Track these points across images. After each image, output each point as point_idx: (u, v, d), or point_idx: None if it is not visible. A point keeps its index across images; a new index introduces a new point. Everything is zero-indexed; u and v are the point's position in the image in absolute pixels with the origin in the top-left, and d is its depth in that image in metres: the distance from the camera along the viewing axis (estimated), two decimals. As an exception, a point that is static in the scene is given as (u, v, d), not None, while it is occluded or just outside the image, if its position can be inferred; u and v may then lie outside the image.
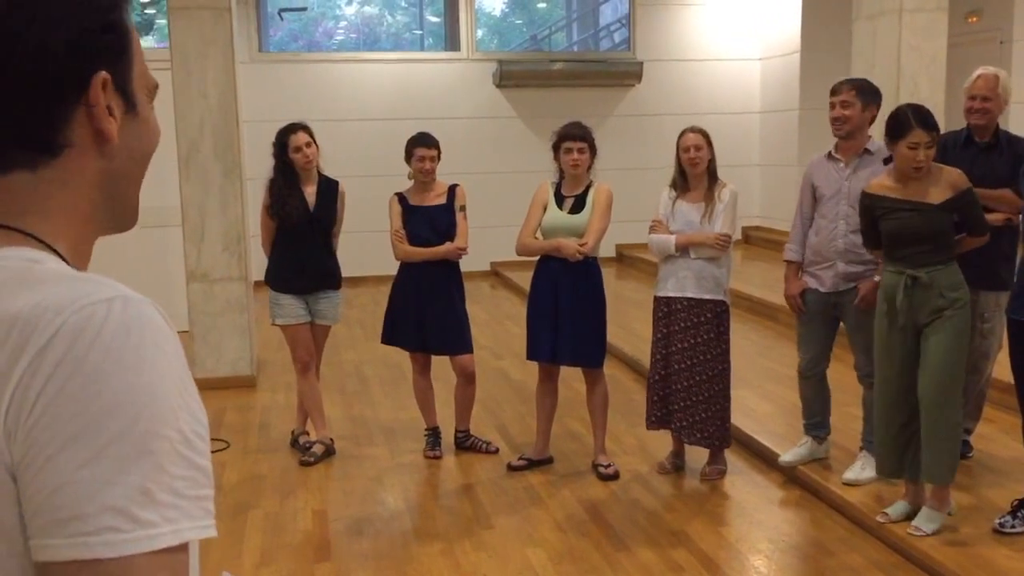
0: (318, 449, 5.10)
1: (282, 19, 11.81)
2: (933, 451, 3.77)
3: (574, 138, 4.69)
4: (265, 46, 11.22)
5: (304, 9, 12.01)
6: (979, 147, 4.37)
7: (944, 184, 3.81)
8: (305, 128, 5.00)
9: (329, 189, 5.09)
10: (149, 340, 0.78)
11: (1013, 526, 3.80)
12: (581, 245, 4.61)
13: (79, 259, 0.90)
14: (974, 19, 9.45)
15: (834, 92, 4.39)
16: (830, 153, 4.48)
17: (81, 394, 0.74)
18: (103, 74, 0.86)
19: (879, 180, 3.97)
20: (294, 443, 5.30)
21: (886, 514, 3.98)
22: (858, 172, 4.36)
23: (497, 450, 5.16)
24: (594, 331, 4.73)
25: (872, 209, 3.92)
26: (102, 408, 0.74)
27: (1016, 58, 8.96)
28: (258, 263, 5.38)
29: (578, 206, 4.71)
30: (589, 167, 4.75)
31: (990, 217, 4.18)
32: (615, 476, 4.75)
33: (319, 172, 5.09)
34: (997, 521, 3.82)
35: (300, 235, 5.00)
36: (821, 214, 4.45)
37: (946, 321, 3.78)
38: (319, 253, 5.08)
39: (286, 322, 5.07)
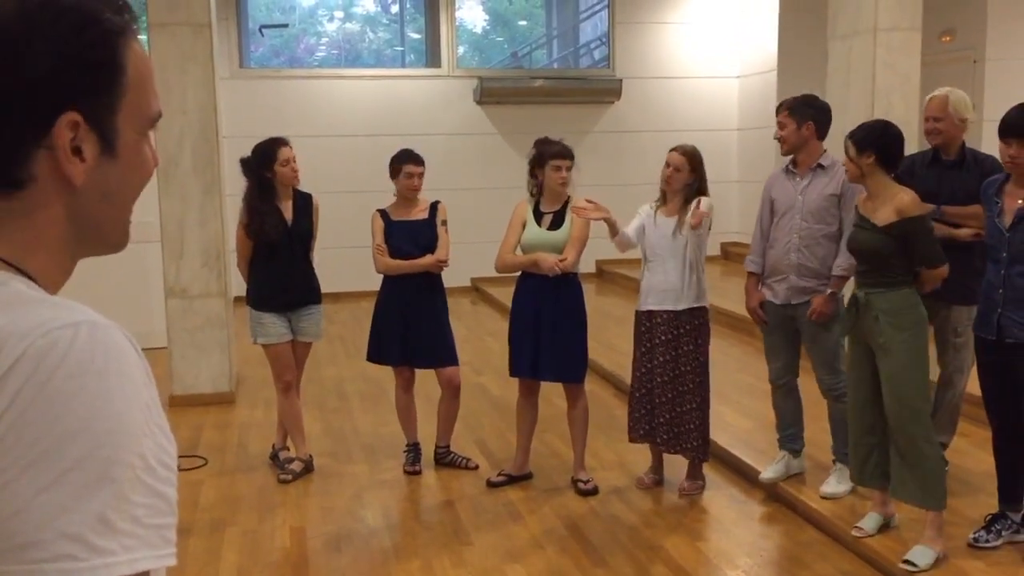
0: (296, 466, 5.08)
1: (263, 35, 11.82)
2: (914, 477, 3.73)
3: (564, 156, 4.72)
4: (246, 62, 11.22)
5: (285, 25, 12.03)
6: (945, 165, 4.44)
7: (892, 207, 3.74)
8: (289, 144, 4.98)
9: (304, 203, 5.07)
10: (114, 366, 0.77)
11: (988, 540, 3.83)
12: (561, 260, 4.63)
13: (51, 281, 0.88)
14: (948, 38, 9.58)
15: (777, 113, 4.52)
16: (788, 167, 4.55)
17: (42, 419, 0.74)
18: (71, 115, 0.84)
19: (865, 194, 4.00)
20: (274, 458, 5.28)
21: (861, 528, 4.01)
22: (811, 186, 4.43)
23: (477, 467, 5.15)
24: (575, 347, 4.75)
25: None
26: (63, 434, 0.74)
27: (989, 77, 9.09)
28: (237, 279, 5.36)
29: (557, 222, 4.74)
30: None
31: (959, 233, 4.24)
32: (594, 491, 4.76)
33: (294, 187, 5.08)
34: (972, 536, 3.86)
35: (280, 252, 4.96)
36: (778, 227, 4.51)
37: (887, 350, 3.73)
38: (300, 268, 5.06)
39: (268, 341, 5.03)
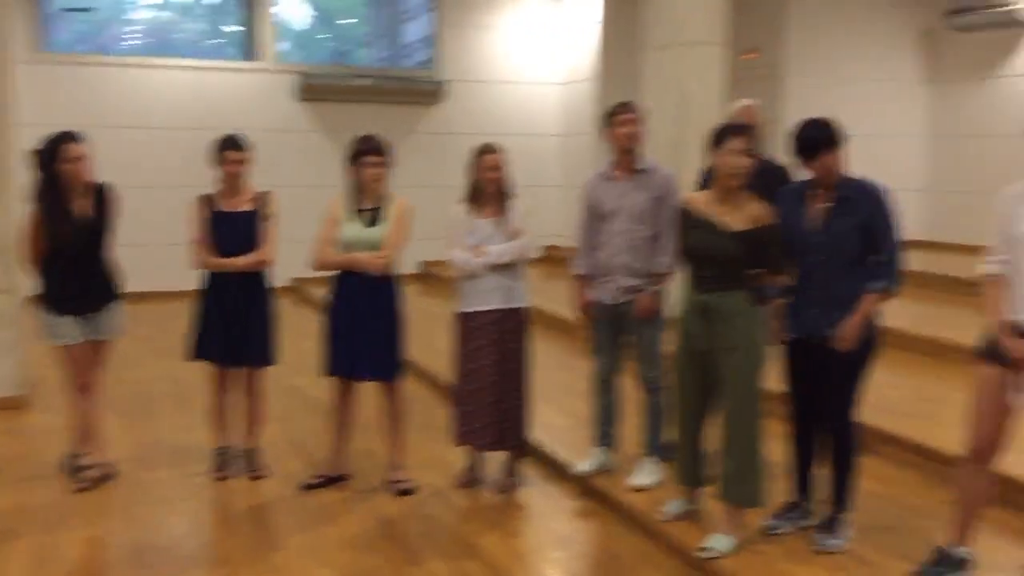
0: (94, 473, 4.78)
1: (66, 18, 11.10)
2: (746, 478, 3.85)
3: (375, 152, 4.66)
4: (46, 46, 10.52)
5: (87, 10, 11.33)
6: None
7: (748, 214, 3.83)
8: (79, 139, 4.59)
9: (102, 196, 4.75)
10: None
11: (780, 527, 4.04)
12: (381, 257, 4.57)
13: None
14: (753, 55, 10.15)
15: (623, 111, 4.54)
16: (607, 172, 4.64)
17: None
18: None
19: (699, 195, 4.03)
20: (68, 466, 4.94)
21: (665, 512, 4.17)
22: (635, 190, 4.54)
23: (260, 476, 4.97)
24: (391, 345, 4.70)
25: (681, 221, 4.00)
26: None
27: (788, 91, 9.70)
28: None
29: (375, 220, 4.67)
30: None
31: None
32: (411, 491, 4.72)
33: (90, 181, 4.73)
34: (766, 523, 4.05)
35: (77, 253, 4.64)
36: (604, 231, 4.60)
37: (735, 351, 3.82)
38: (99, 267, 4.75)
39: (64, 342, 4.71)
